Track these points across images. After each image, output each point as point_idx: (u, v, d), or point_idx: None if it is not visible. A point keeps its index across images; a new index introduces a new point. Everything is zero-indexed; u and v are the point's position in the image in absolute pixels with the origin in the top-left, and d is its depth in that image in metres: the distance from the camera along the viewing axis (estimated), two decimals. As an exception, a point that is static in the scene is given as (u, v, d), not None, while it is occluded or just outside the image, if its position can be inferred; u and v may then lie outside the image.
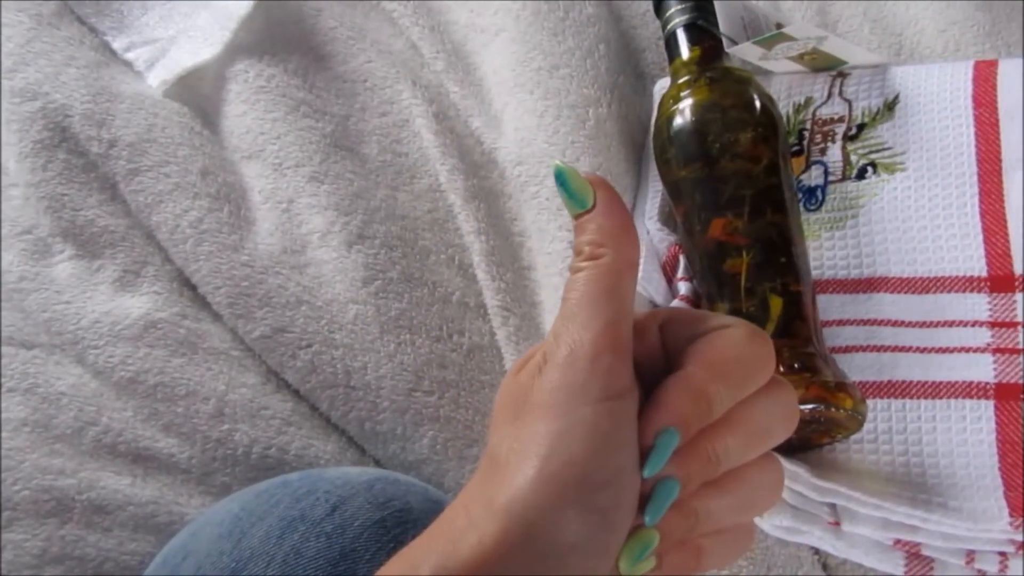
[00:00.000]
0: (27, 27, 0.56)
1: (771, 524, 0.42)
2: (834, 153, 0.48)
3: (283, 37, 0.59)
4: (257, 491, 0.39)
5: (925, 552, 0.41)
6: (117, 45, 0.59)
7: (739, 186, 0.45)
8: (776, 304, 0.44)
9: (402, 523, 0.36)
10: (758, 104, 0.47)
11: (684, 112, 0.47)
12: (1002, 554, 0.40)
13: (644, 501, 0.25)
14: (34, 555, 0.43)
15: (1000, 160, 0.45)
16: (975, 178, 0.45)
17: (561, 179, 0.27)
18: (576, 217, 0.27)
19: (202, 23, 0.59)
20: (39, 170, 0.52)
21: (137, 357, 0.48)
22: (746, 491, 0.27)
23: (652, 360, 0.27)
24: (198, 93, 0.58)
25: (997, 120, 0.45)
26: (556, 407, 0.25)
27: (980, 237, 0.44)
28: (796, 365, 0.41)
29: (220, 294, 0.49)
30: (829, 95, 0.50)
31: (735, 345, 0.27)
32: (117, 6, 0.60)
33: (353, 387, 0.46)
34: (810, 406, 0.40)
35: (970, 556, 0.40)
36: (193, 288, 0.50)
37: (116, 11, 0.60)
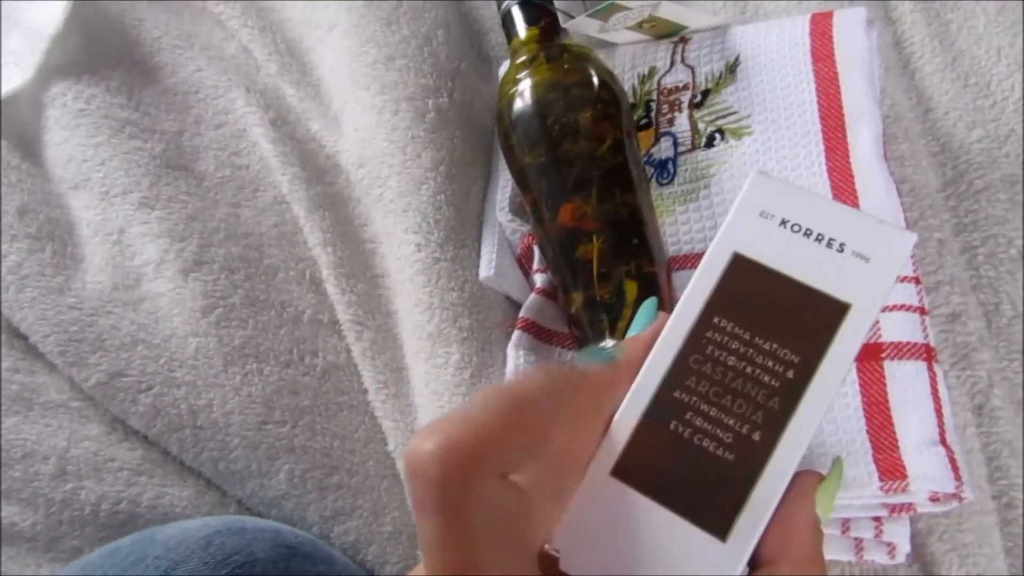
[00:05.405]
0: None
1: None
2: (682, 123, 0.47)
3: (103, 53, 0.54)
4: (83, 564, 0.36)
5: (801, 526, 0.40)
6: (-73, 81, 0.54)
7: (584, 168, 0.43)
8: (632, 288, 0.42)
9: None
10: (596, 80, 0.45)
11: (524, 94, 0.45)
12: (877, 519, 0.39)
13: None
14: None
15: (843, 114, 0.43)
16: (819, 135, 0.43)
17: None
18: None
19: (13, 47, 0.55)
20: None
21: (-33, 421, 0.44)
22: None
23: None
24: (18, 123, 0.53)
25: (836, 74, 0.44)
26: None
27: (829, 196, 0.42)
28: (652, 352, 0.40)
29: (50, 342, 0.45)
30: (672, 63, 0.48)
31: None
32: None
33: (200, 427, 0.43)
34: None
35: (846, 525, 0.39)
36: (24, 338, 0.47)
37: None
